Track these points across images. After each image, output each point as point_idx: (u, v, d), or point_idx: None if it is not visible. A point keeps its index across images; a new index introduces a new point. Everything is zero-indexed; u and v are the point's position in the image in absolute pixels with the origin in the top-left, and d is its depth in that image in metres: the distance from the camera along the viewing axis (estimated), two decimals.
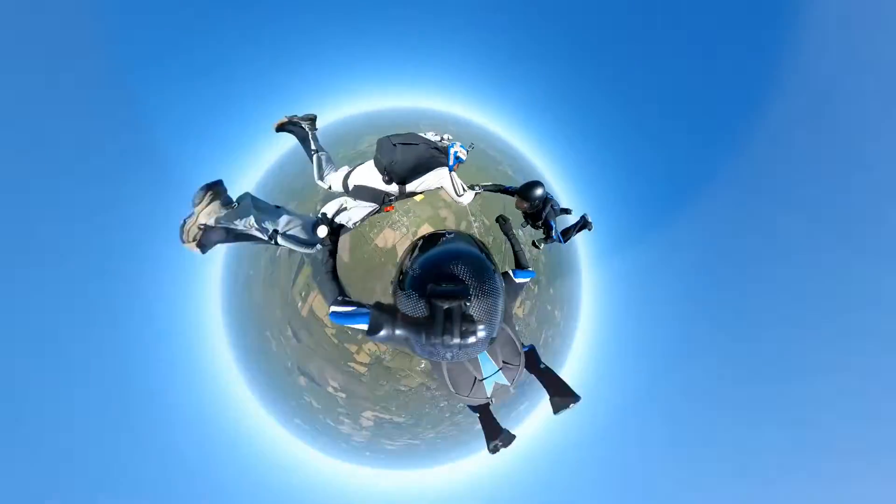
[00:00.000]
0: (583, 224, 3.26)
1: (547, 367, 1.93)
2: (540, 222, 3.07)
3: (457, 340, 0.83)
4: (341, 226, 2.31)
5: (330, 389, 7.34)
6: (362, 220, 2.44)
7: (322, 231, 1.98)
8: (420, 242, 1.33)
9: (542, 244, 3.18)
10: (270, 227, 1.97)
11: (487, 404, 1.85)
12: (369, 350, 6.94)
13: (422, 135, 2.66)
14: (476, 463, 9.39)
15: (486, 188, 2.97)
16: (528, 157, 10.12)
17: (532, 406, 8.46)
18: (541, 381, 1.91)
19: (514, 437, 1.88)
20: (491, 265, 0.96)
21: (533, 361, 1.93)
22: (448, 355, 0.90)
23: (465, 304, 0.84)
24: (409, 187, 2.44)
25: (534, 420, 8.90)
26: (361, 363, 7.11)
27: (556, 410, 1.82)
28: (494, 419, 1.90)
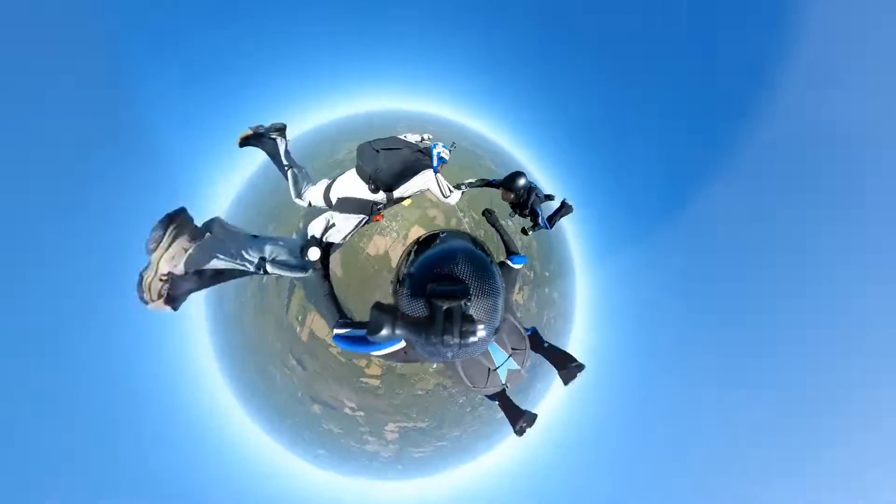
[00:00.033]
0: (564, 208, 3.33)
1: (550, 345, 2.08)
2: (527, 211, 3.13)
3: (456, 340, 0.83)
4: (330, 244, 2.22)
5: (347, 411, 7.23)
6: (352, 233, 2.36)
7: (314, 254, 1.86)
8: (416, 247, 1.34)
9: (531, 231, 3.24)
10: (256, 256, 1.78)
11: (504, 390, 1.90)
12: (379, 361, 6.88)
13: (402, 137, 2.61)
14: (505, 453, 9.39)
15: (471, 185, 3.05)
16: (508, 149, 10.03)
17: (546, 385, 8.54)
18: (547, 359, 2.05)
19: (535, 415, 1.98)
20: (491, 264, 0.97)
21: (537, 342, 2.08)
22: (449, 355, 0.90)
23: (466, 304, 0.84)
24: (397, 193, 2.37)
25: (551, 399, 9.00)
26: (374, 376, 7.02)
27: (565, 382, 2.04)
28: (514, 403, 1.95)
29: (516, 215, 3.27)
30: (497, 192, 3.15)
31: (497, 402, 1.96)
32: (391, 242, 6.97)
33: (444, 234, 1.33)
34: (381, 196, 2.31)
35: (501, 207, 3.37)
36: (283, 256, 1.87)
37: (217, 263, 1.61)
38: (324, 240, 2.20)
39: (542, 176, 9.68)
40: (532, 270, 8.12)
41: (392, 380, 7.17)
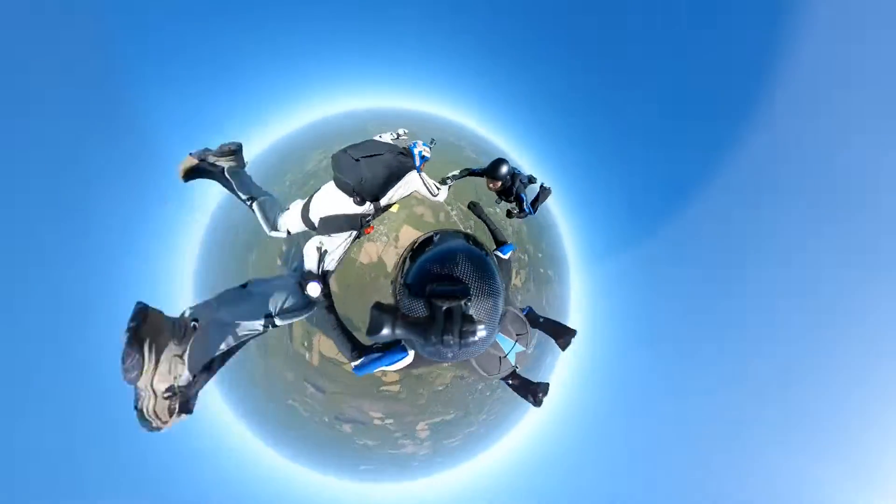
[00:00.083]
0: (543, 192, 3.42)
1: (545, 318, 2.33)
2: (512, 197, 3.17)
3: (456, 340, 0.83)
4: (326, 272, 2.06)
5: (377, 422, 7.36)
6: (345, 253, 2.18)
7: (314, 290, 1.76)
8: (411, 252, 1.45)
9: (518, 216, 3.34)
10: (260, 316, 1.58)
11: (515, 371, 2.09)
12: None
13: (378, 139, 2.46)
14: (505, 453, 9.52)
15: (456, 178, 3.01)
16: (485, 135, 9.82)
17: (555, 357, 8.74)
18: (545, 332, 2.30)
19: (548, 384, 2.17)
20: (491, 264, 0.97)
21: (534, 319, 2.32)
22: (449, 355, 0.90)
23: (466, 304, 0.85)
24: (384, 201, 2.22)
25: (560, 370, 9.23)
26: (393, 382, 7.13)
27: (563, 348, 2.33)
28: (525, 379, 2.15)
29: (502, 202, 3.34)
30: (481, 181, 3.17)
31: (510, 383, 2.14)
32: (383, 247, 6.91)
33: (438, 236, 1.39)
34: (368, 207, 2.15)
35: (487, 196, 3.44)
36: (287, 303, 1.70)
37: (222, 347, 1.39)
38: (320, 270, 2.03)
39: (520, 157, 9.54)
40: (526, 253, 8.28)
41: (411, 382, 7.30)
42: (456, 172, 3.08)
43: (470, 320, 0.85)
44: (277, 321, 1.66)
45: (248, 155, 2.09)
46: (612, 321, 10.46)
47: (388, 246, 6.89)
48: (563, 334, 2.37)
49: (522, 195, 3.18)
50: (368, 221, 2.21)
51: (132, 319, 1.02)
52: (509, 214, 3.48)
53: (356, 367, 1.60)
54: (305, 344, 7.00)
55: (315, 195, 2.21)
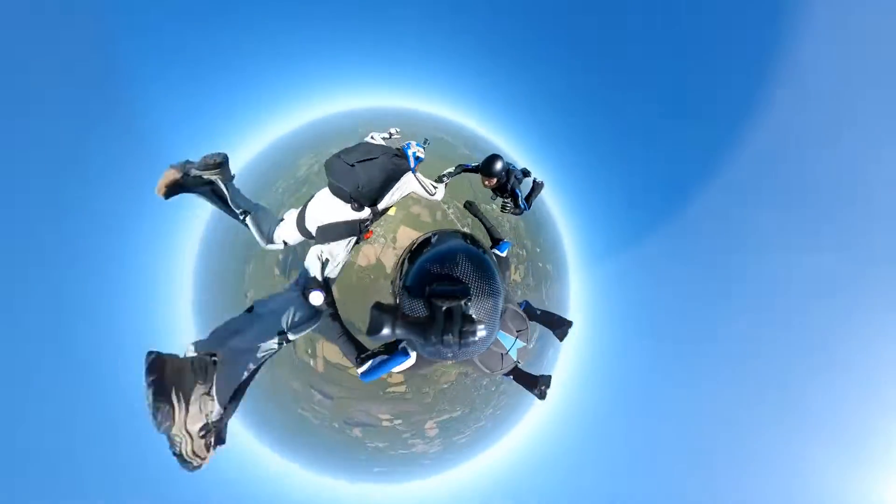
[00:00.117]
0: (536, 187, 3.40)
1: (542, 311, 2.38)
2: (507, 193, 3.16)
3: (456, 340, 0.83)
4: (329, 280, 2.05)
5: (386, 424, 7.40)
6: (346, 259, 2.15)
7: (318, 298, 1.74)
8: (409, 253, 1.47)
9: (512, 213, 3.30)
10: (274, 335, 1.58)
11: (517, 367, 2.12)
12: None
13: (371, 141, 2.44)
14: (504, 453, 9.55)
15: (451, 175, 2.99)
16: (477, 130, 9.74)
17: (557, 350, 8.78)
18: (542, 324, 2.35)
19: (550, 376, 2.22)
20: (491, 263, 0.96)
21: (531, 313, 2.35)
22: (449, 355, 0.89)
23: (466, 304, 0.85)
24: (382, 205, 2.19)
25: (563, 363, 9.27)
26: (398, 383, 7.15)
27: (560, 339, 2.37)
28: (527, 373, 2.19)
29: (498, 197, 3.32)
30: (476, 177, 3.15)
31: (513, 377, 2.19)
32: (381, 249, 6.88)
33: (436, 237, 1.38)
34: (365, 212, 2.12)
35: (482, 193, 3.40)
36: (296, 316, 1.69)
37: (245, 374, 1.39)
38: (322, 278, 2.01)
39: (517, 154, 9.45)
40: (524, 248, 8.32)
41: (416, 382, 7.33)
42: (451, 169, 3.07)
43: (470, 320, 0.85)
44: (290, 336, 1.67)
45: (237, 162, 2.05)
46: (611, 321, 10.47)
47: (387, 247, 6.87)
48: (559, 325, 2.45)
49: (517, 191, 3.18)
50: (367, 226, 2.18)
51: (149, 372, 1.00)
52: (504, 208, 3.48)
53: (362, 374, 1.63)
54: (309, 351, 7.00)
55: (309, 203, 2.16)
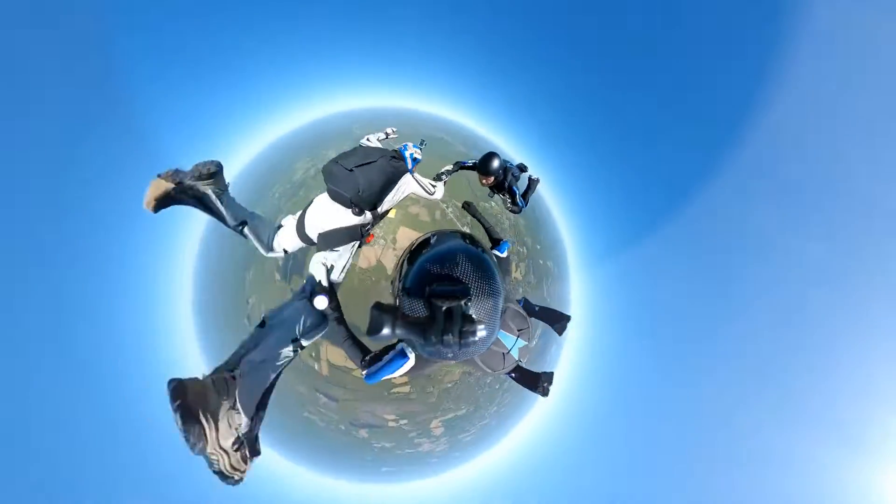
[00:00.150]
0: (532, 183, 3.41)
1: (541, 307, 2.40)
2: (504, 191, 3.17)
3: (456, 340, 0.83)
4: (334, 284, 2.06)
5: (391, 424, 7.43)
6: (349, 263, 2.16)
7: (322, 302, 1.74)
8: (408, 254, 1.47)
9: (510, 210, 3.33)
10: (288, 342, 1.62)
11: (518, 365, 2.12)
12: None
13: (367, 144, 2.45)
14: (504, 453, 9.56)
15: (450, 173, 3.00)
16: (476, 129, 9.69)
17: (559, 346, 8.81)
18: (541, 320, 2.37)
19: (552, 373, 2.20)
20: (491, 263, 0.96)
21: (530, 310, 2.37)
22: (449, 355, 0.90)
23: (466, 304, 0.85)
24: (382, 208, 2.20)
25: (565, 360, 9.26)
26: (403, 383, 7.15)
27: (559, 333, 2.39)
28: (529, 371, 2.19)
29: (495, 195, 3.34)
30: (473, 174, 3.16)
31: (515, 377, 2.18)
32: (381, 250, 6.88)
33: (435, 237, 1.39)
34: (366, 217, 2.12)
35: (480, 191, 3.42)
36: (307, 322, 1.71)
37: (266, 383, 1.45)
38: (326, 282, 2.02)
39: (511, 150, 9.42)
40: (525, 246, 8.31)
41: (420, 382, 7.35)
42: (449, 167, 3.06)
43: (470, 320, 0.85)
44: (304, 342, 1.72)
45: (232, 166, 2.01)
46: (611, 321, 10.45)
47: (387, 248, 6.87)
48: (558, 320, 2.48)
49: (515, 188, 3.18)
50: (368, 230, 2.19)
51: (173, 398, 1.02)
52: (505, 206, 3.47)
53: (367, 377, 1.64)
54: (313, 354, 7.01)
55: (308, 209, 2.14)
